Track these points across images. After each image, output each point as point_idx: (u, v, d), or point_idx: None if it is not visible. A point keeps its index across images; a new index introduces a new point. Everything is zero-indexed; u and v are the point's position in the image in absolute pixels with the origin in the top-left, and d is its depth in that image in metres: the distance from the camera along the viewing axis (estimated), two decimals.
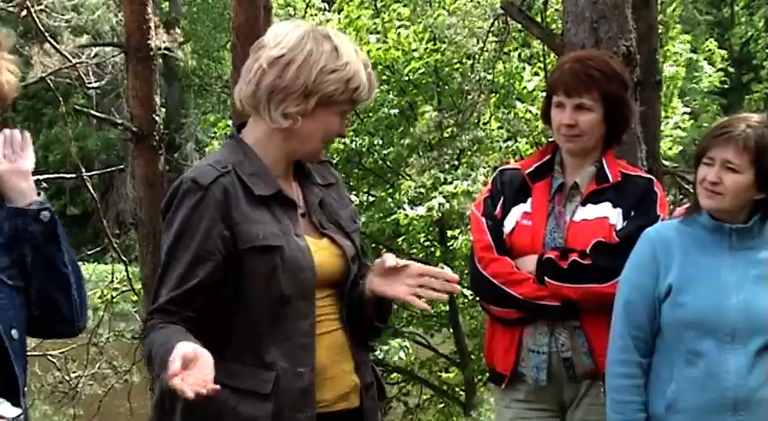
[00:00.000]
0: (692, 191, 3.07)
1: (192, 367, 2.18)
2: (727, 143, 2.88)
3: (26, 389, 2.42)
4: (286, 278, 2.47)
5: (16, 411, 2.10)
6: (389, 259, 2.50)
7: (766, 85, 26.74)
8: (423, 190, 11.42)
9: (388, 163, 12.58)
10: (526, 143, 12.33)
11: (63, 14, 10.04)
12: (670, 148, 13.10)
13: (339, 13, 13.19)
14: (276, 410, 2.45)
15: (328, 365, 2.54)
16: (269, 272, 2.46)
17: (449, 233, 12.70)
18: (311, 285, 2.50)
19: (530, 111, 12.26)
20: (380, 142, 12.47)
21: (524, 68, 12.62)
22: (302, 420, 2.48)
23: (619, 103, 3.27)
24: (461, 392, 12.92)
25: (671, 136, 13.45)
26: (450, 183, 11.33)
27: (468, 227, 11.73)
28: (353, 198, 11.51)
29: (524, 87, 12.48)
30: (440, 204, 11.09)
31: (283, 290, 2.47)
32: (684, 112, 14.74)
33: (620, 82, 3.28)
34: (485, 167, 11.94)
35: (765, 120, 2.94)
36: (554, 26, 8.77)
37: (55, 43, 8.92)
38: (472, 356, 12.47)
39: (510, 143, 12.58)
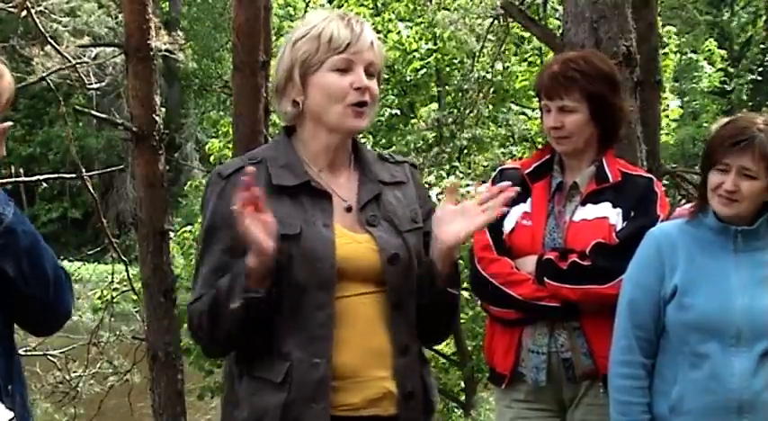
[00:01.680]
0: (691, 192, 3.07)
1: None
2: (743, 151, 2.86)
3: (11, 387, 2.39)
4: (302, 267, 2.45)
5: (8, 414, 2.06)
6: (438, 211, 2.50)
7: (748, 79, 26.66)
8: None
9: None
10: (525, 146, 12.33)
11: (61, 17, 10.04)
12: (666, 147, 13.09)
13: None
14: (288, 400, 2.44)
15: (360, 369, 2.50)
16: (283, 260, 2.44)
17: None
18: (329, 276, 2.47)
19: (524, 114, 12.26)
20: (382, 141, 12.46)
21: (520, 65, 12.63)
22: (316, 411, 2.45)
23: (604, 101, 3.27)
24: (461, 392, 12.92)
25: (664, 129, 13.45)
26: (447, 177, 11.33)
27: None
28: None
29: (521, 87, 12.50)
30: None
31: (299, 278, 2.46)
32: (680, 106, 14.74)
33: (604, 81, 3.28)
34: (484, 166, 11.94)
35: None
36: (553, 25, 8.77)
37: (55, 44, 8.92)
38: (472, 356, 12.46)
39: (508, 144, 12.59)
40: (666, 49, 14.53)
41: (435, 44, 12.50)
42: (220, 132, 13.90)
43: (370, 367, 2.51)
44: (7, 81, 2.41)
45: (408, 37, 12.53)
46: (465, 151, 12.47)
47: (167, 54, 9.09)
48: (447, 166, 11.85)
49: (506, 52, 12.26)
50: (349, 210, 2.57)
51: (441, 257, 2.54)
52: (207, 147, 13.86)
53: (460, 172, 11.57)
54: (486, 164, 12.18)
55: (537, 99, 3.44)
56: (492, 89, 12.20)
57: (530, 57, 12.41)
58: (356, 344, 2.50)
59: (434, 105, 12.37)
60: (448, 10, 12.45)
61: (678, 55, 14.84)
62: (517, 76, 12.54)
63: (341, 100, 2.50)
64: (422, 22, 12.76)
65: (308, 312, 2.47)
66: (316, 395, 2.45)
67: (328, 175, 2.58)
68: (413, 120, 12.40)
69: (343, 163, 2.62)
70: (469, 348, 12.59)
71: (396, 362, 2.54)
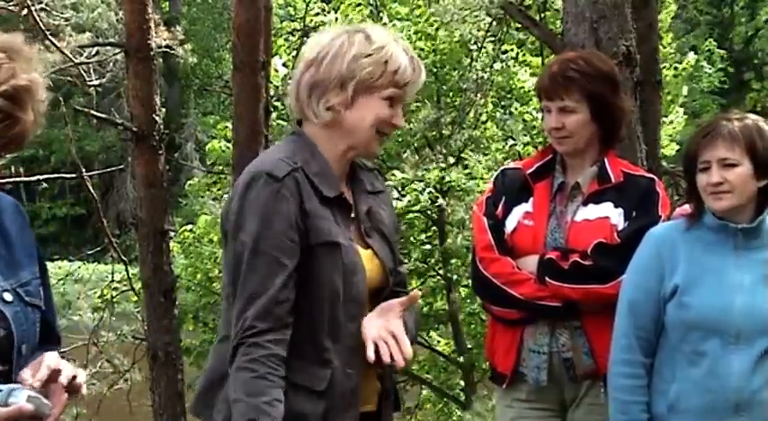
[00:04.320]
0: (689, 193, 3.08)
1: None
2: (714, 142, 2.91)
3: None
4: (341, 279, 2.49)
5: (26, 394, 2.07)
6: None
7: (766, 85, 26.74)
8: (408, 180, 11.41)
9: (383, 159, 12.56)
10: (525, 145, 12.33)
11: (62, 13, 10.03)
12: (667, 145, 13.12)
13: (335, 12, 13.15)
14: (327, 408, 2.47)
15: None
16: (332, 270, 2.48)
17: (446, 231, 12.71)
18: (363, 289, 2.52)
19: (528, 113, 12.26)
20: None
21: (520, 66, 12.61)
22: (348, 420, 2.51)
23: (604, 101, 3.27)
24: (460, 392, 12.92)
25: (670, 135, 13.50)
26: (443, 176, 11.34)
27: (463, 227, 11.78)
28: None
29: (521, 87, 12.48)
30: (428, 193, 11.11)
31: (340, 290, 2.49)
32: (685, 112, 14.78)
33: (604, 80, 3.28)
34: (482, 167, 11.93)
35: (743, 114, 2.99)
36: (553, 26, 8.77)
37: (56, 42, 8.92)
38: (472, 356, 12.47)
39: (507, 145, 12.59)
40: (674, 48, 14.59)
41: (433, 43, 12.47)
42: (219, 135, 13.90)
43: (365, 368, 2.57)
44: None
45: (407, 38, 12.50)
46: (462, 152, 12.46)
47: (167, 50, 9.08)
48: (444, 165, 11.85)
49: (506, 51, 12.25)
50: (353, 221, 2.61)
51: None
52: (207, 147, 13.86)
53: (455, 175, 11.58)
54: (483, 164, 12.17)
55: (538, 99, 3.45)
56: (490, 89, 12.19)
57: (530, 55, 12.39)
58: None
59: (429, 107, 12.36)
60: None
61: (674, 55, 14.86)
62: (516, 75, 12.53)
63: (378, 126, 2.56)
64: (419, 21, 12.73)
65: (343, 322, 2.51)
66: (349, 404, 2.51)
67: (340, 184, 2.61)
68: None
69: (345, 172, 2.65)
70: (469, 347, 12.60)
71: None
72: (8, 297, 2.17)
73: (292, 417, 2.44)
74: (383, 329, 2.49)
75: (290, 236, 2.44)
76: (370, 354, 2.46)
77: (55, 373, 2.12)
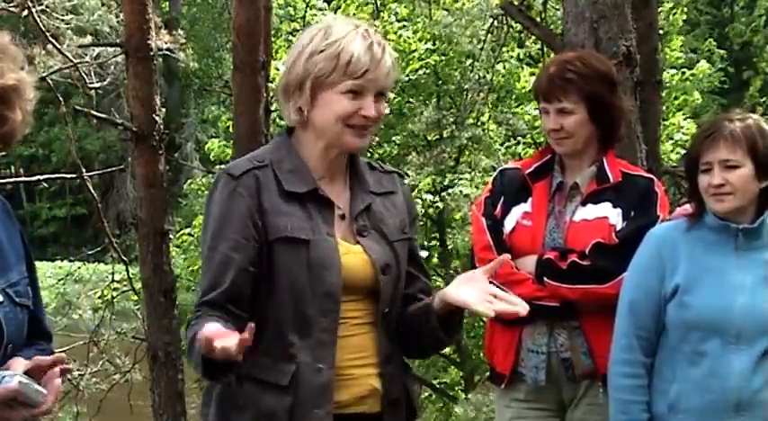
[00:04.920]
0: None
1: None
2: (716, 143, 2.91)
3: None
4: (309, 274, 2.48)
5: (18, 379, 2.06)
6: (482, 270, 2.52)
7: (762, 77, 26.73)
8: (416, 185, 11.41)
9: (385, 161, 12.58)
10: (525, 145, 12.34)
11: (63, 15, 10.04)
12: (672, 151, 13.12)
13: (336, 12, 13.15)
14: (294, 404, 2.46)
15: (347, 367, 2.54)
16: (293, 265, 2.48)
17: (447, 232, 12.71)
18: (336, 284, 2.51)
19: (528, 113, 12.27)
20: (378, 139, 12.45)
21: (522, 69, 12.62)
22: (320, 416, 2.49)
23: (602, 101, 3.28)
24: (460, 391, 12.92)
25: (672, 138, 13.49)
26: (452, 185, 11.34)
27: (463, 226, 11.79)
28: None
29: (522, 87, 12.50)
30: (434, 203, 11.10)
31: (307, 285, 2.48)
32: (687, 117, 14.77)
33: (601, 81, 3.29)
34: (483, 170, 11.94)
35: (745, 114, 3.00)
36: (553, 26, 8.77)
37: (56, 44, 8.92)
38: (472, 356, 12.47)
39: (509, 144, 12.59)
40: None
41: (434, 44, 12.48)
42: (221, 130, 13.89)
43: (357, 366, 2.57)
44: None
45: (408, 38, 12.51)
46: (465, 151, 12.46)
47: (168, 53, 9.09)
48: (443, 167, 11.85)
49: (507, 52, 12.25)
50: (342, 218, 2.60)
51: (441, 303, 2.56)
52: (207, 146, 13.85)
53: (459, 172, 11.59)
54: (485, 163, 12.18)
55: (536, 101, 3.46)
56: (491, 90, 12.20)
57: (533, 54, 12.40)
58: (346, 344, 2.55)
59: (430, 108, 12.37)
60: (447, 10, 12.46)
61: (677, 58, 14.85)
62: (519, 78, 12.54)
63: (345, 120, 2.52)
64: (420, 22, 12.74)
65: (314, 317, 2.50)
66: (319, 400, 2.49)
67: (326, 183, 2.60)
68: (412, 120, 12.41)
69: (339, 171, 2.64)
70: (469, 347, 12.59)
71: (381, 368, 2.59)
72: None
73: (260, 415, 2.47)
74: (482, 292, 2.47)
75: (245, 233, 2.47)
76: (491, 313, 2.44)
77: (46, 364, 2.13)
